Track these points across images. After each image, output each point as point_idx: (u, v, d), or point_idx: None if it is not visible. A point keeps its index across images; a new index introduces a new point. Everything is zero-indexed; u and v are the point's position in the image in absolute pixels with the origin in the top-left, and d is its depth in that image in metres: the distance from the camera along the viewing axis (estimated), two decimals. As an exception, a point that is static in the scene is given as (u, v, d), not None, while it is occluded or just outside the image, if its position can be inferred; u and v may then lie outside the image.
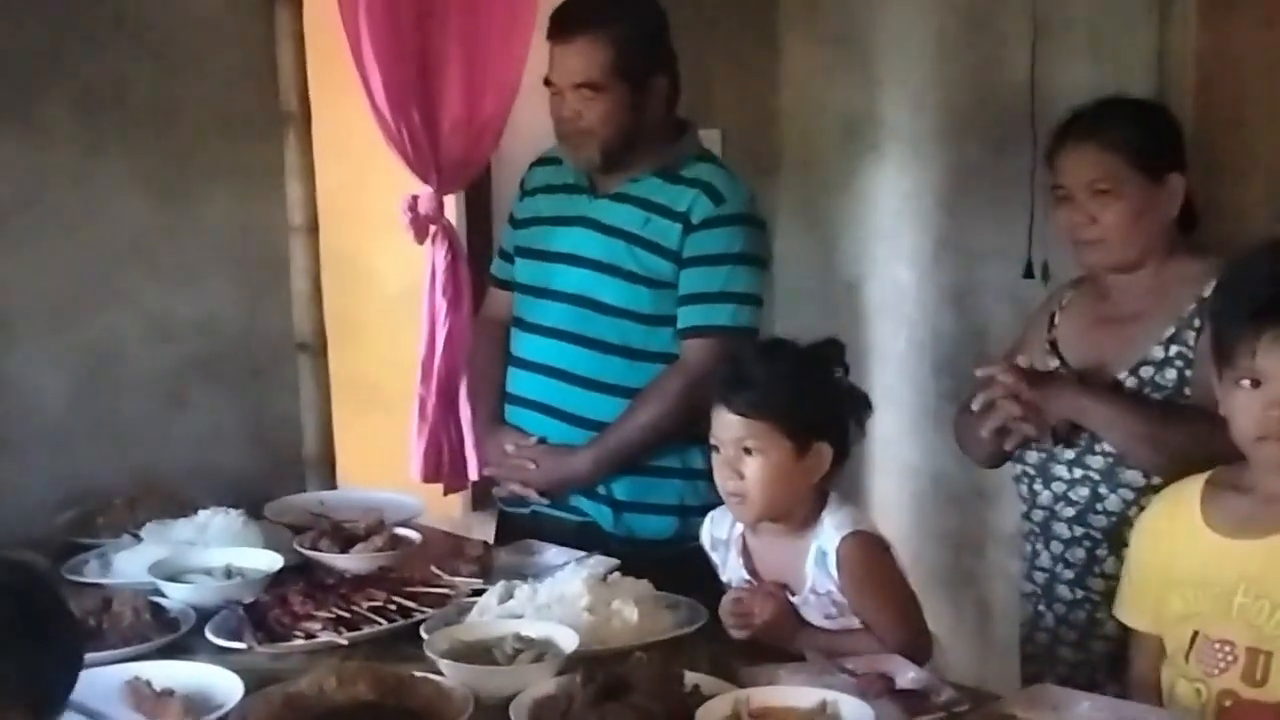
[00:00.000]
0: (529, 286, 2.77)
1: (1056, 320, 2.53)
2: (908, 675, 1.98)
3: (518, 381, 2.77)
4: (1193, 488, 1.99)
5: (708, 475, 2.68)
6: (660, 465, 2.68)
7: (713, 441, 2.16)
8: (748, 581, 2.18)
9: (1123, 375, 2.37)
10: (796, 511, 2.17)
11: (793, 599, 2.17)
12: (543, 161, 2.86)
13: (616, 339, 2.66)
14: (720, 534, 2.29)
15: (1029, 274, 3.40)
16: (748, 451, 2.12)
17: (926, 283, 3.61)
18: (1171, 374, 2.33)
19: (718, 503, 2.70)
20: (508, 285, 2.86)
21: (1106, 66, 3.28)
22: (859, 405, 2.20)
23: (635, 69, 2.60)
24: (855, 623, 2.16)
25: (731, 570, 2.28)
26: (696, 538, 2.67)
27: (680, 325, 2.64)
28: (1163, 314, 2.34)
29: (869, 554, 2.14)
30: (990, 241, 3.54)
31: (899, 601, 2.15)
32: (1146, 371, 2.36)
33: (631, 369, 2.65)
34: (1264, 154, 3.02)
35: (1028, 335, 2.58)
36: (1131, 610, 2.06)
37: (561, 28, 2.62)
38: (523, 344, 2.76)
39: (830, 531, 2.14)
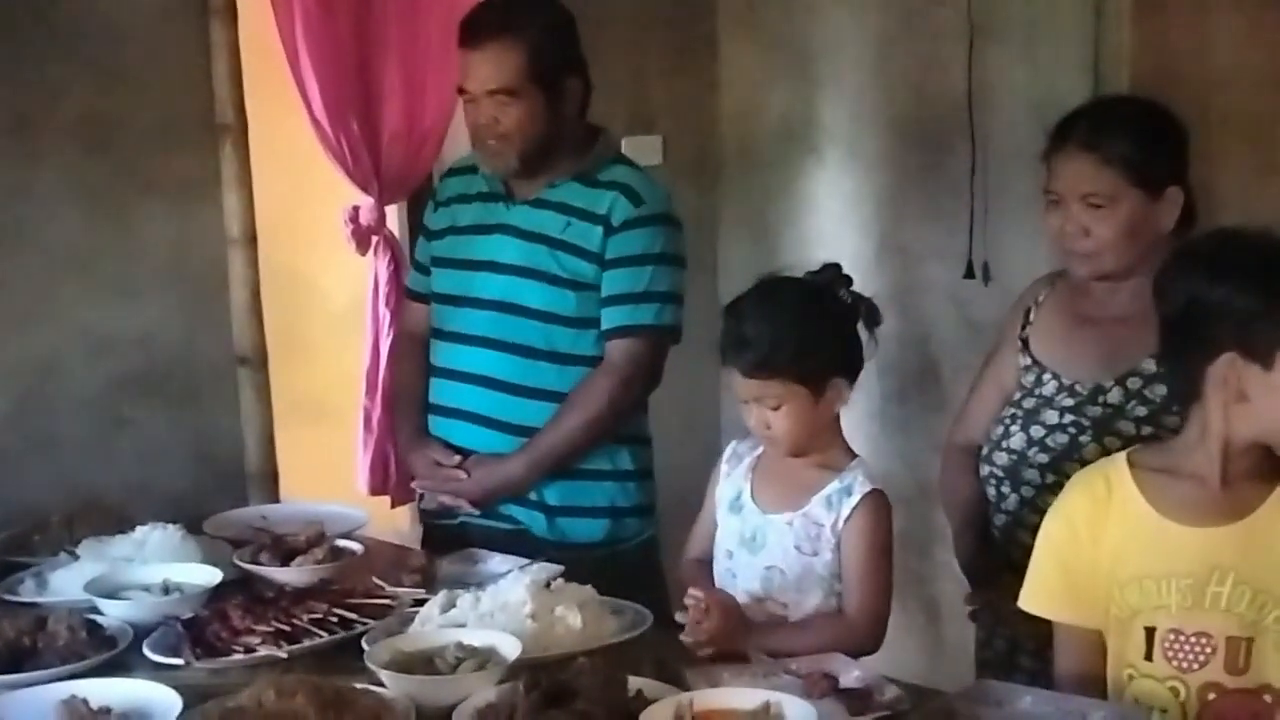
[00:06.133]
0: (448, 296, 2.76)
1: (1032, 317, 2.47)
2: (852, 674, 1.99)
3: (442, 391, 2.75)
4: (1118, 472, 1.95)
5: (637, 476, 2.74)
6: (590, 468, 2.68)
7: (738, 399, 2.22)
8: (696, 599, 2.15)
9: (1108, 384, 2.33)
10: (818, 441, 2.24)
11: (778, 516, 2.22)
12: (454, 171, 2.85)
13: (543, 343, 2.65)
14: (743, 451, 2.35)
15: (970, 274, 3.44)
16: (770, 406, 2.18)
17: (868, 284, 3.52)
18: (1163, 390, 2.25)
19: (648, 504, 2.73)
20: (424, 298, 2.84)
21: (1042, 67, 3.32)
22: (869, 317, 2.26)
23: (548, 72, 2.60)
24: (815, 577, 2.19)
25: (730, 483, 2.31)
26: (629, 539, 2.71)
27: (605, 326, 2.64)
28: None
29: (886, 518, 2.20)
30: (931, 243, 3.56)
31: (887, 573, 2.21)
32: (1134, 383, 2.31)
33: (558, 373, 2.65)
34: (1197, 152, 3.05)
35: (1003, 333, 2.53)
36: (1064, 604, 1.98)
37: (472, 34, 2.61)
38: (445, 353, 2.75)
39: (862, 477, 2.20)
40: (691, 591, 2.15)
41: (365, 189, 3.18)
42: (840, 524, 2.18)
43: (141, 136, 2.97)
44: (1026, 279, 2.71)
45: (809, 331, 2.19)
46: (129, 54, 2.95)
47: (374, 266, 3.22)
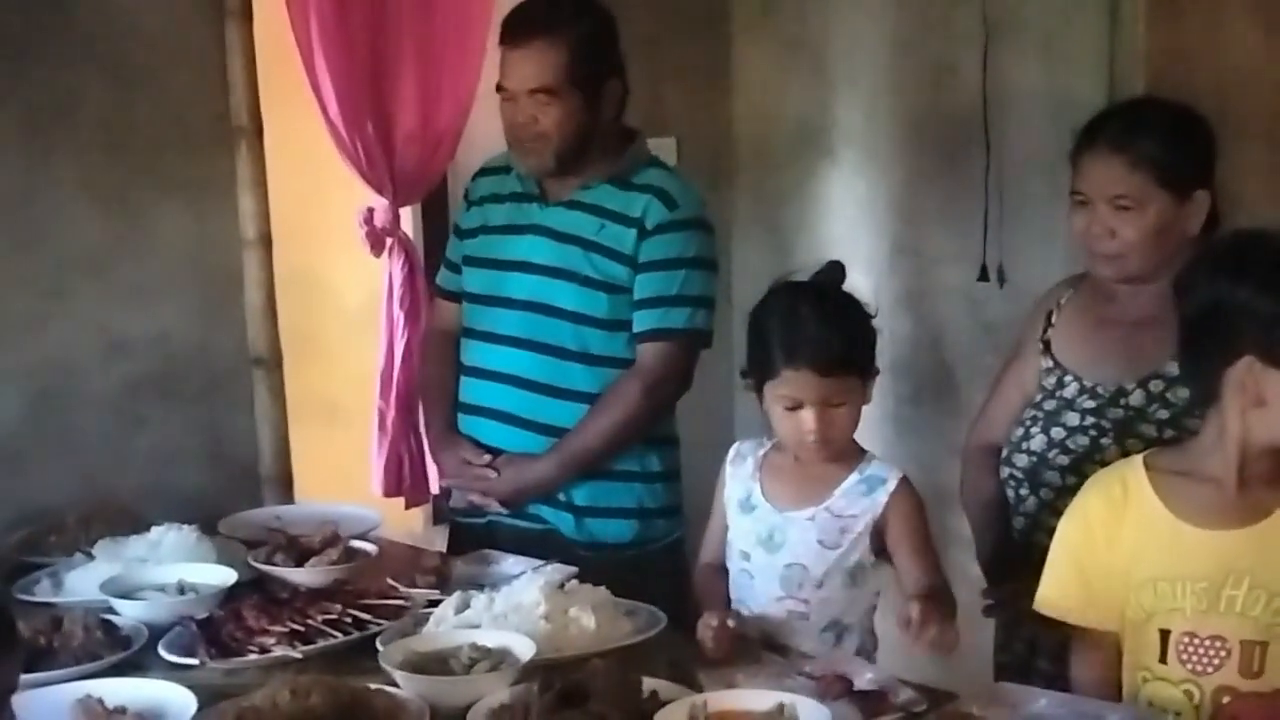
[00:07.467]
0: (480, 295, 2.76)
1: (1054, 319, 2.47)
2: (865, 676, 1.98)
3: (472, 390, 2.75)
4: (1135, 475, 1.94)
5: (665, 477, 2.73)
6: (619, 469, 2.68)
7: (789, 403, 2.18)
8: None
9: (1130, 386, 2.32)
10: None
11: (798, 513, 2.23)
12: (486, 171, 2.86)
13: (574, 344, 2.65)
14: (746, 451, 2.34)
15: (984, 277, 3.44)
16: (835, 405, 2.18)
17: (882, 287, 3.61)
18: (1185, 393, 2.21)
19: (676, 505, 2.72)
20: (455, 296, 2.85)
21: (1058, 68, 3.31)
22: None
23: (589, 74, 2.60)
24: (835, 570, 2.20)
25: (738, 483, 2.31)
26: (657, 540, 2.71)
27: (637, 329, 2.65)
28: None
29: (919, 498, 2.25)
30: (945, 245, 3.56)
31: (934, 548, 2.26)
32: (1156, 386, 2.30)
33: (589, 374, 2.66)
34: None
35: (1024, 335, 2.52)
36: (1079, 607, 1.98)
37: (515, 33, 2.61)
38: (476, 352, 2.75)
39: (886, 466, 2.25)
40: (706, 619, 2.13)
41: (380, 191, 3.18)
42: (880, 512, 2.21)
43: (157, 138, 2.97)
44: (1041, 281, 2.71)
45: (862, 326, 2.22)
46: (145, 56, 2.96)
47: (388, 268, 3.22)
